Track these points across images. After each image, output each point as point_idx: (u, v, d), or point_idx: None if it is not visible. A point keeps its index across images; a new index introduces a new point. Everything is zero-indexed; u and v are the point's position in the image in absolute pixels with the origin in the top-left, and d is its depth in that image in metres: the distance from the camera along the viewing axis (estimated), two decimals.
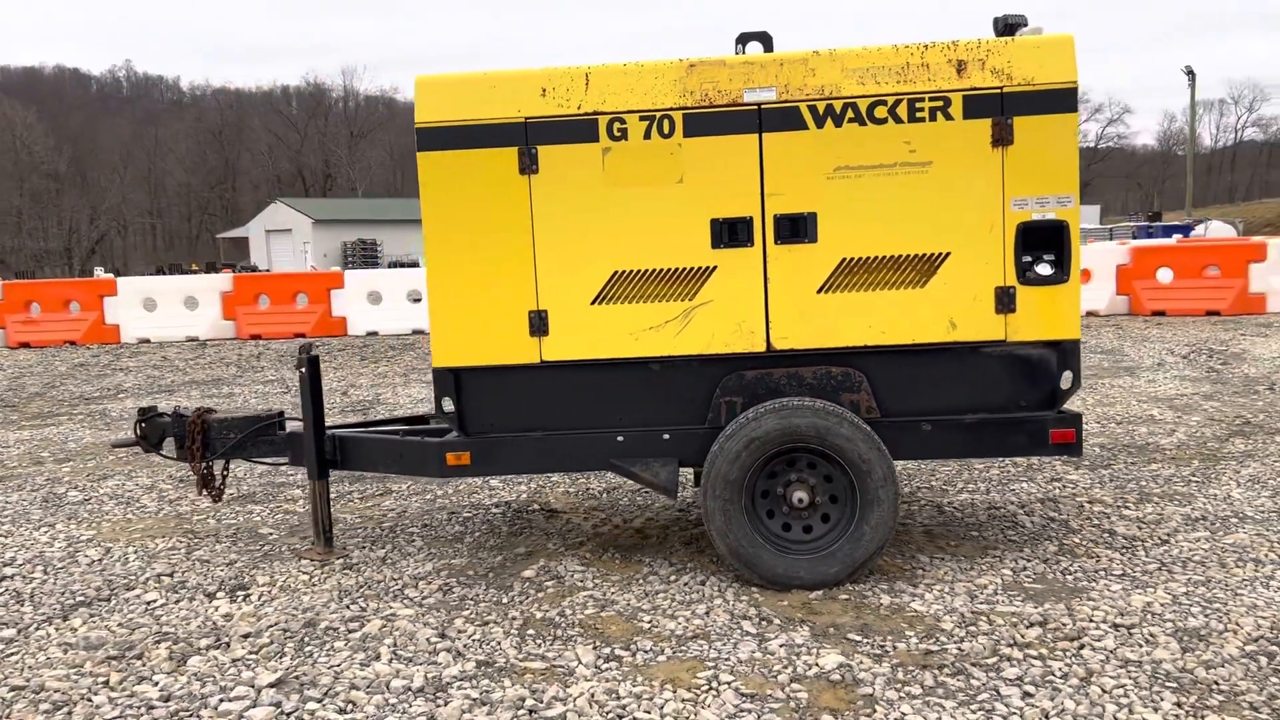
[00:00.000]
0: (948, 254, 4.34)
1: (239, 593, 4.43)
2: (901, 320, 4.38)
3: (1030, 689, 3.25)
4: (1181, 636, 3.61)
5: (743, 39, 4.67)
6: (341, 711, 3.27)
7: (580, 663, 3.58)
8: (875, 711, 3.16)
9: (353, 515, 5.66)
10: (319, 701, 3.34)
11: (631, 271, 4.43)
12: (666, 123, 4.38)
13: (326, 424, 5.00)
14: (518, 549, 4.89)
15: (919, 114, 4.30)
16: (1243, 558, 4.40)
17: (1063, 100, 4.27)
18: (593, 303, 4.46)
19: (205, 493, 5.12)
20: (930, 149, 4.30)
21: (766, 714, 3.17)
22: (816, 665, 3.49)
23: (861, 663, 3.50)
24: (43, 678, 3.59)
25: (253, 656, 3.72)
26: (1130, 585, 4.13)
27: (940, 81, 4.29)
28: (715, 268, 4.40)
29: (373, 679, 3.49)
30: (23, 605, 4.39)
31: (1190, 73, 46.26)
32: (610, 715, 3.18)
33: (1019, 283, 4.33)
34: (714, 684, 3.38)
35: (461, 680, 3.46)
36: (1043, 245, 4.34)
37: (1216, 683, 3.26)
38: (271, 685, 3.46)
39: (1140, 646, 3.54)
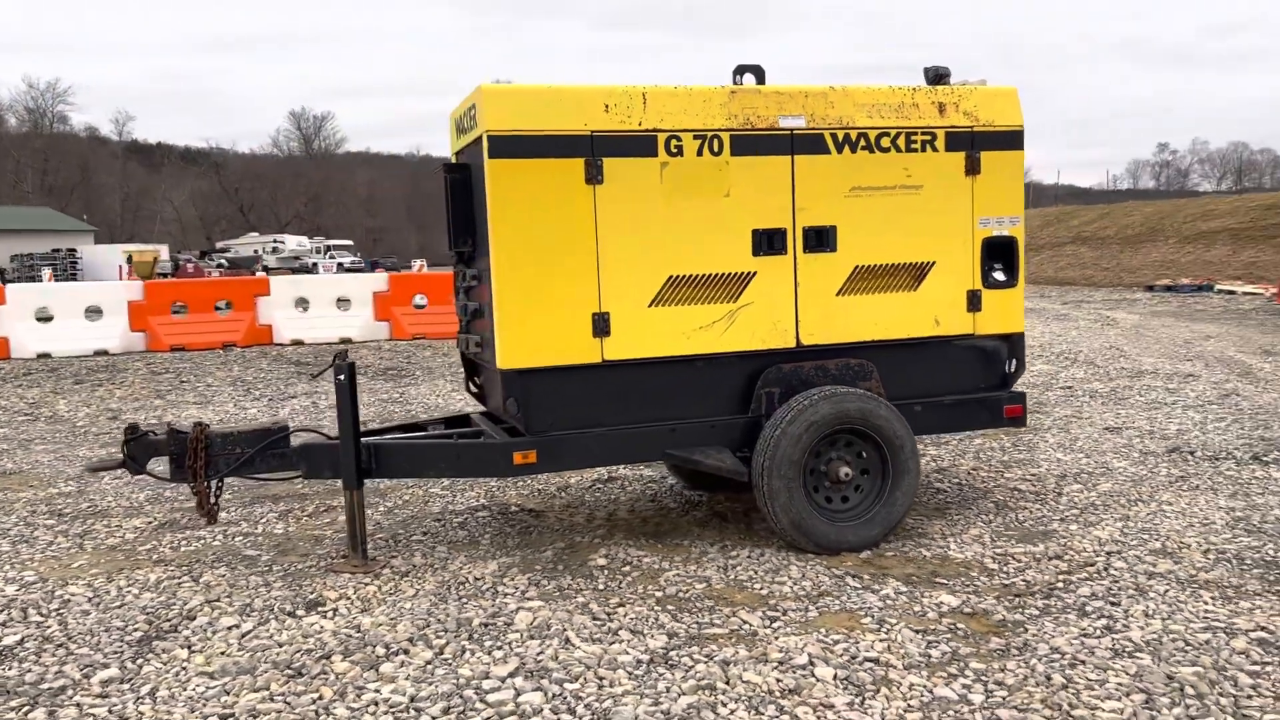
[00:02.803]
0: (934, 262, 5.21)
1: (318, 609, 4.25)
2: (900, 318, 5.18)
3: (1113, 600, 4.16)
4: (1161, 555, 4.71)
5: (740, 70, 5.24)
6: (602, 688, 3.44)
7: (752, 625, 3.97)
8: (1026, 630, 3.90)
9: (320, 532, 5.45)
10: (574, 682, 3.47)
11: (684, 276, 4.84)
12: (716, 142, 4.85)
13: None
14: (555, 544, 5.07)
15: (913, 145, 5.13)
16: (1127, 500, 5.68)
17: (1014, 139, 5.31)
18: (650, 305, 4.81)
19: (201, 513, 4.76)
20: (921, 175, 5.15)
21: (953, 642, 3.79)
22: (943, 603, 4.17)
23: (970, 599, 4.23)
24: (241, 702, 3.36)
25: (446, 656, 3.71)
26: (1081, 526, 5.22)
27: (928, 119, 5.15)
28: (755, 273, 4.94)
29: (594, 659, 3.65)
30: (71, 648, 3.91)
31: None
32: (844, 657, 3.65)
33: (983, 286, 5.30)
34: (886, 625, 3.94)
35: (675, 650, 3.73)
36: (998, 256, 5.34)
37: (1217, 580, 4.36)
38: (510, 675, 3.52)
39: (1144, 563, 4.59)
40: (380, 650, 3.77)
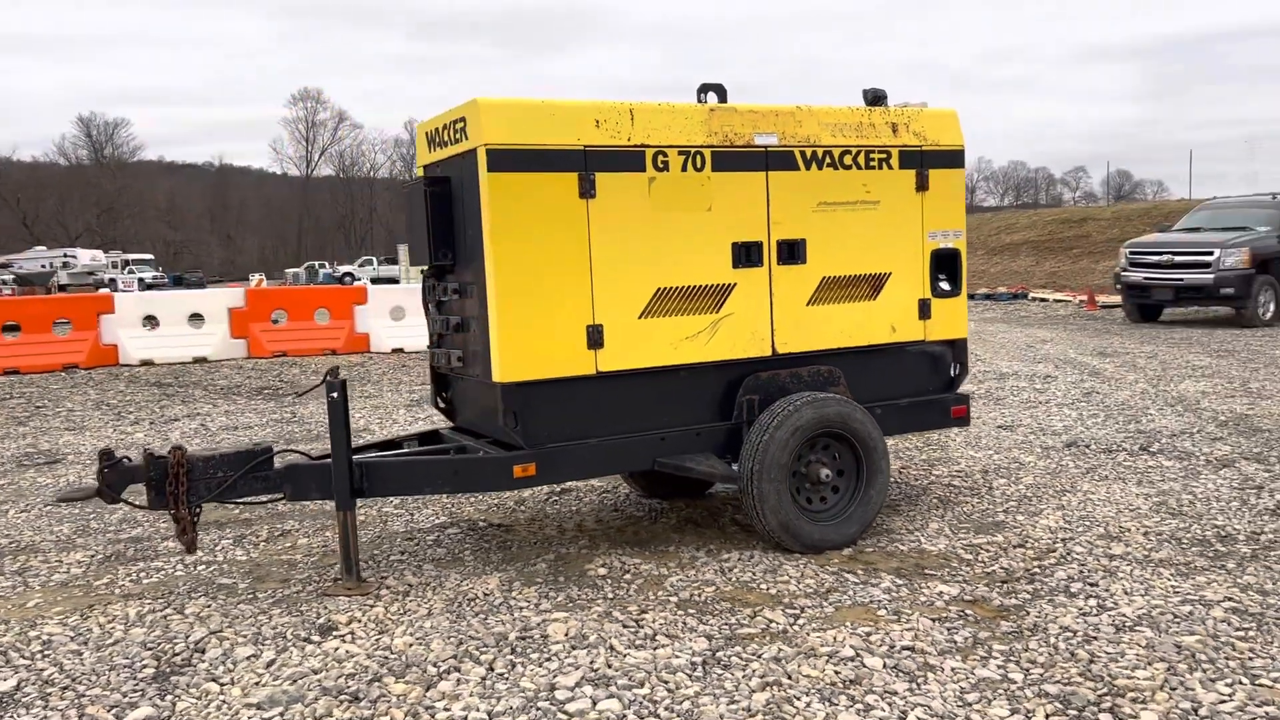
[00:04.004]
0: (890, 273, 5.52)
1: (333, 633, 4.14)
2: (862, 326, 5.46)
3: (1090, 581, 4.53)
4: (1109, 539, 5.15)
5: (703, 89, 5.41)
6: (671, 691, 3.51)
7: (780, 623, 4.13)
8: (1028, 613, 4.20)
9: (287, 557, 5.26)
10: (641, 687, 3.53)
11: (671, 288, 4.97)
12: (699, 158, 5.00)
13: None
14: (544, 556, 5.08)
15: (871, 163, 5.43)
16: (1054, 490, 6.16)
17: (957, 158, 5.69)
18: (640, 317, 4.91)
19: (183, 541, 4.53)
20: (879, 191, 5.45)
21: (969, 628, 4.05)
22: (943, 593, 4.44)
23: (965, 587, 4.52)
24: None
25: (499, 670, 3.69)
26: (1026, 516, 5.63)
27: (883, 138, 5.46)
28: (735, 285, 5.11)
29: (649, 663, 3.71)
30: (80, 690, 3.67)
31: None
32: (884, 647, 3.85)
33: (932, 296, 5.65)
34: (903, 616, 4.17)
35: (720, 651, 3.84)
36: (944, 267, 5.71)
37: (1168, 559, 4.82)
38: (577, 684, 3.55)
39: (1099, 547, 5.01)
40: (430, 669, 3.71)
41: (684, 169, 4.96)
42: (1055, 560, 4.84)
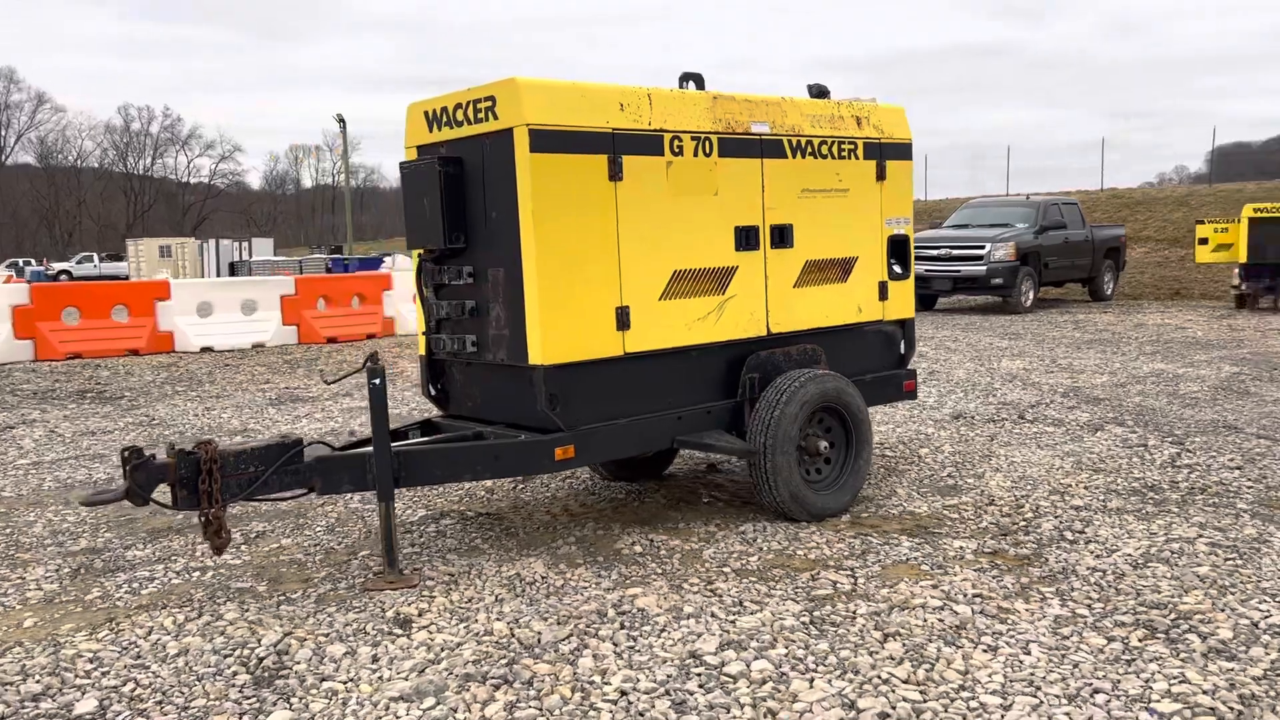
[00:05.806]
0: (857, 257, 5.89)
1: (415, 625, 4.00)
2: (836, 307, 5.80)
3: (1077, 530, 5.06)
4: (1059, 494, 5.74)
5: (684, 78, 5.57)
6: (808, 647, 3.67)
7: (845, 584, 4.37)
8: (1047, 560, 4.66)
9: (289, 556, 4.97)
10: (774, 648, 3.66)
11: (686, 270, 5.10)
12: (708, 144, 5.16)
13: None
14: (565, 539, 5.07)
15: (843, 153, 5.77)
16: (978, 456, 6.75)
17: (907, 151, 6.14)
18: (660, 299, 5.01)
19: (216, 542, 4.22)
20: (848, 179, 5.81)
21: (1008, 575, 4.45)
22: (963, 547, 4.83)
23: (977, 542, 4.94)
24: (487, 713, 3.18)
25: (626, 644, 3.71)
26: (975, 479, 6.16)
27: (850, 130, 5.82)
28: (737, 267, 5.31)
29: (764, 625, 3.86)
30: (180, 703, 3.39)
31: (341, 120, 51.05)
32: (958, 595, 4.16)
33: (889, 278, 6.08)
34: (946, 569, 4.52)
35: (816, 610, 4.03)
36: (897, 252, 6.14)
37: (1122, 508, 5.44)
38: (719, 649, 3.63)
39: (1059, 500, 5.58)
40: (563, 648, 3.68)
41: (695, 154, 5.10)
42: (1032, 514, 5.36)
